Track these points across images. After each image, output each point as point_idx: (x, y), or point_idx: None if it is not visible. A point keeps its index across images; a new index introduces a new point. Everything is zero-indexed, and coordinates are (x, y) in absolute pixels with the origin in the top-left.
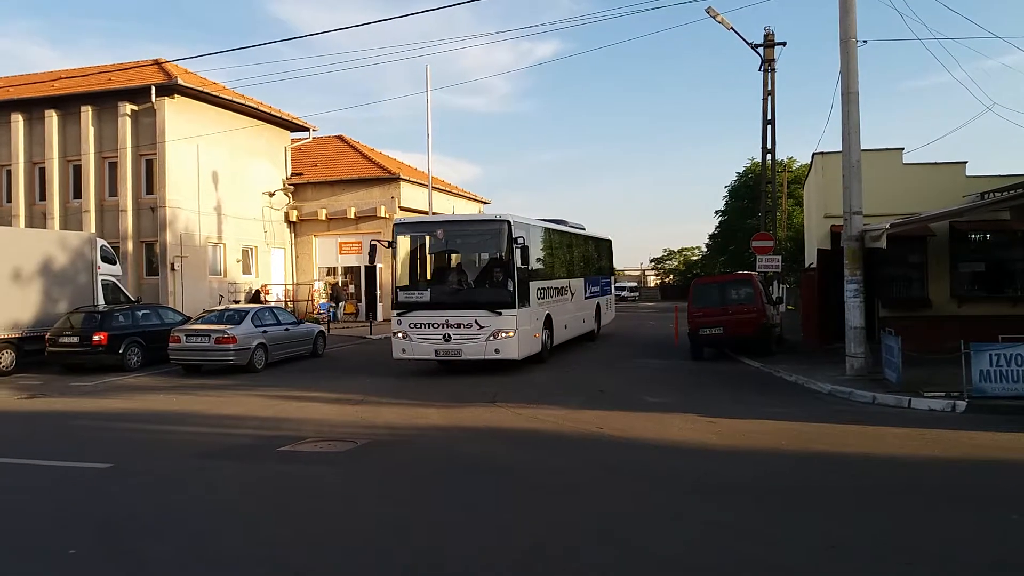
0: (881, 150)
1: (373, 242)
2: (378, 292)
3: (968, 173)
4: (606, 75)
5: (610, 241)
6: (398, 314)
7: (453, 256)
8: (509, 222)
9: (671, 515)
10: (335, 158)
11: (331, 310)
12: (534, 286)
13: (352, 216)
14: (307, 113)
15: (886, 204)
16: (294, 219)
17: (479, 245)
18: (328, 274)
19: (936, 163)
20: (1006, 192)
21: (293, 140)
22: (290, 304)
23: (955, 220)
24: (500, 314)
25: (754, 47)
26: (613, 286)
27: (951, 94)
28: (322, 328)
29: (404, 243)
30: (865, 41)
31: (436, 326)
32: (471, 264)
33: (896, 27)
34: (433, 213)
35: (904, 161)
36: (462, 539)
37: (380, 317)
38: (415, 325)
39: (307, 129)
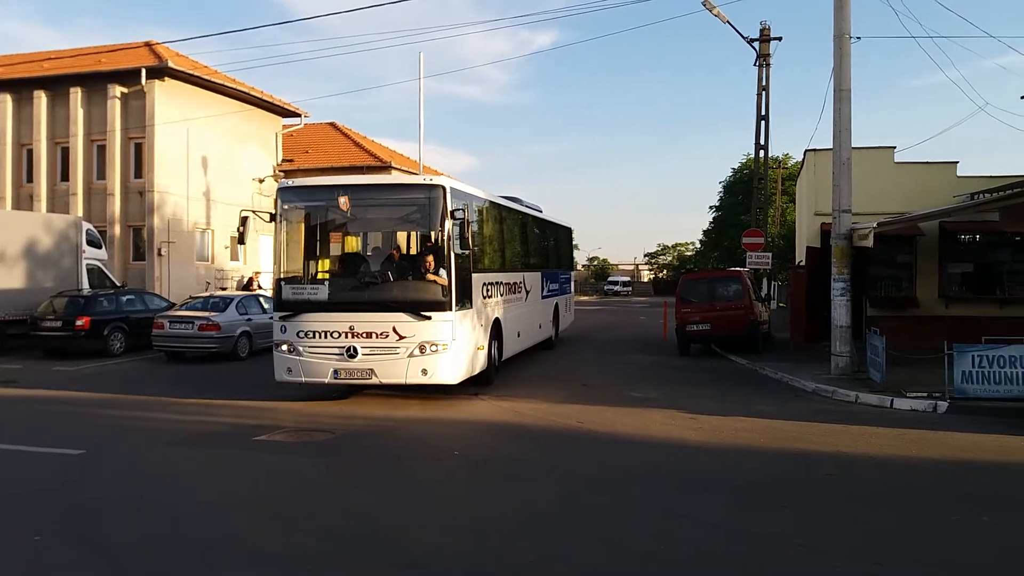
0: (872, 148)
1: (245, 213)
2: None
3: (959, 173)
4: (604, 67)
5: (571, 229)
6: (282, 318)
7: (363, 236)
8: (444, 187)
9: (637, 507)
10: (327, 145)
11: None
12: (479, 280)
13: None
14: (299, 99)
15: (876, 202)
16: (295, 220)
17: (402, 220)
18: None
19: (927, 162)
20: (996, 193)
21: (284, 126)
22: None
23: (944, 220)
24: (430, 318)
25: (750, 41)
26: (573, 283)
27: (944, 94)
28: None
29: (292, 215)
30: (859, 38)
31: (336, 336)
32: (389, 248)
33: (891, 25)
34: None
35: (895, 160)
36: (426, 530)
37: None
38: (305, 334)
39: (299, 115)
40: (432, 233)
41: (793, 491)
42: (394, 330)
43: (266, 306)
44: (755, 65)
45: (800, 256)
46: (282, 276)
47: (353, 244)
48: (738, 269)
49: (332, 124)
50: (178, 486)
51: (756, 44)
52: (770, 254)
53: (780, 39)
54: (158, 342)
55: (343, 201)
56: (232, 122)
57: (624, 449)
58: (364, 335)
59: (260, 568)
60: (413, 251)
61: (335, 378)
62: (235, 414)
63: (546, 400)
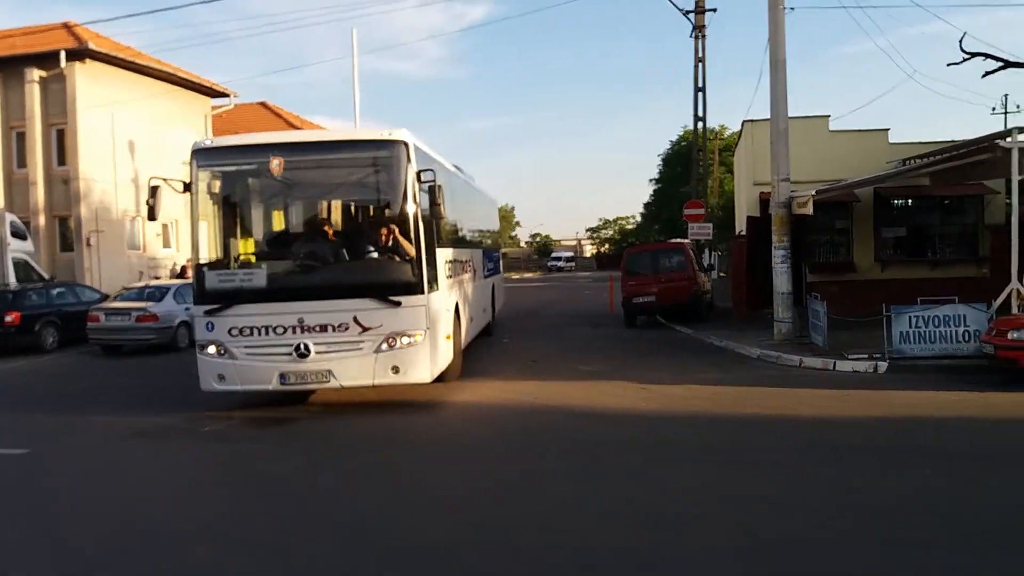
0: (808, 117)
1: (155, 182)
2: None
3: (891, 140)
4: (540, 41)
5: (496, 202)
6: (207, 313)
7: (308, 206)
8: (407, 144)
9: (594, 473)
10: (258, 125)
11: None
12: (442, 257)
13: None
14: (229, 79)
15: (813, 171)
16: (217, 190)
17: (355, 186)
18: None
19: (860, 130)
20: (926, 159)
21: (214, 107)
22: None
23: (878, 186)
24: (399, 304)
25: (685, 13)
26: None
27: (875, 62)
28: None
29: (213, 184)
30: (792, 8)
31: (281, 331)
32: (344, 219)
33: None
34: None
35: (830, 128)
36: (384, 510)
37: None
38: (240, 331)
39: (228, 95)
40: (394, 200)
41: (743, 453)
42: (356, 320)
43: None
44: (691, 37)
45: (740, 226)
46: (204, 261)
47: (294, 217)
48: (680, 240)
49: (263, 104)
50: (129, 480)
51: (691, 16)
52: (711, 225)
53: (715, 11)
54: (94, 335)
55: (276, 164)
56: (159, 104)
57: (575, 420)
58: (317, 329)
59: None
60: (375, 221)
61: (283, 384)
62: (181, 405)
63: (497, 377)
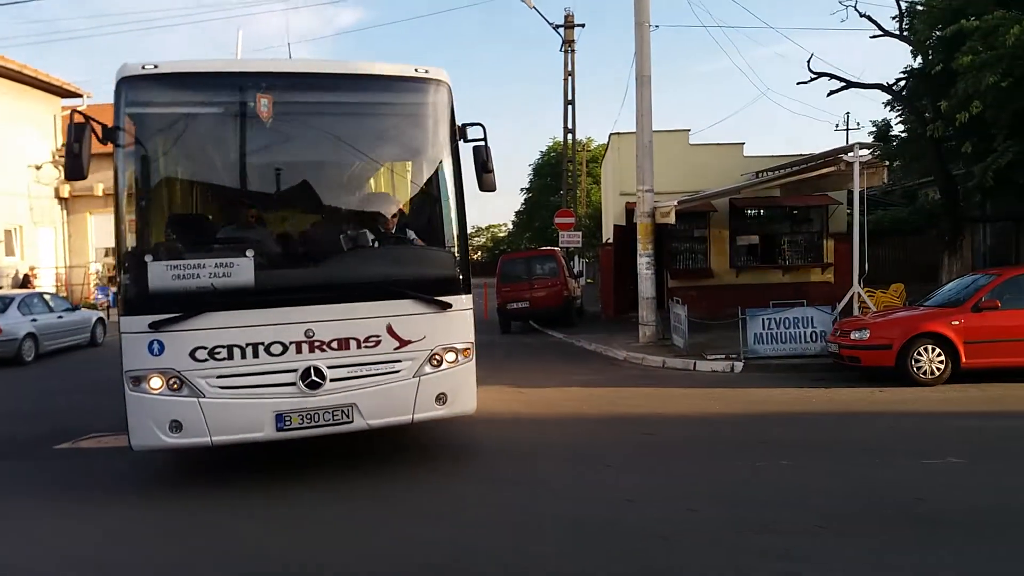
0: (670, 131)
1: (78, 120)
2: None
3: (745, 153)
4: (411, 47)
5: None
6: (153, 326)
7: (308, 168)
8: (449, 86)
9: (467, 476)
10: None
11: (111, 295)
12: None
13: (99, 194)
14: (82, 78)
15: (675, 182)
16: (66, 195)
17: (381, 141)
18: (107, 255)
19: (718, 144)
20: (777, 171)
21: (65, 107)
22: (64, 290)
23: (733, 197)
24: (449, 306)
25: (555, 27)
26: None
27: (732, 80)
28: (101, 315)
29: (153, 131)
30: (657, 26)
31: (279, 350)
32: (361, 187)
33: (686, 14)
34: None
35: (691, 142)
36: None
37: None
38: (212, 352)
39: (80, 95)
40: (430, 161)
41: (612, 451)
42: (390, 331)
43: (52, 304)
44: (561, 51)
45: (608, 234)
46: (141, 247)
47: (285, 181)
48: (552, 248)
49: None
50: None
51: (561, 30)
52: (580, 233)
53: (583, 26)
54: None
55: (265, 105)
56: (2, 104)
57: (450, 425)
58: (334, 345)
59: None
60: (397, 194)
61: (281, 429)
62: (28, 421)
63: None
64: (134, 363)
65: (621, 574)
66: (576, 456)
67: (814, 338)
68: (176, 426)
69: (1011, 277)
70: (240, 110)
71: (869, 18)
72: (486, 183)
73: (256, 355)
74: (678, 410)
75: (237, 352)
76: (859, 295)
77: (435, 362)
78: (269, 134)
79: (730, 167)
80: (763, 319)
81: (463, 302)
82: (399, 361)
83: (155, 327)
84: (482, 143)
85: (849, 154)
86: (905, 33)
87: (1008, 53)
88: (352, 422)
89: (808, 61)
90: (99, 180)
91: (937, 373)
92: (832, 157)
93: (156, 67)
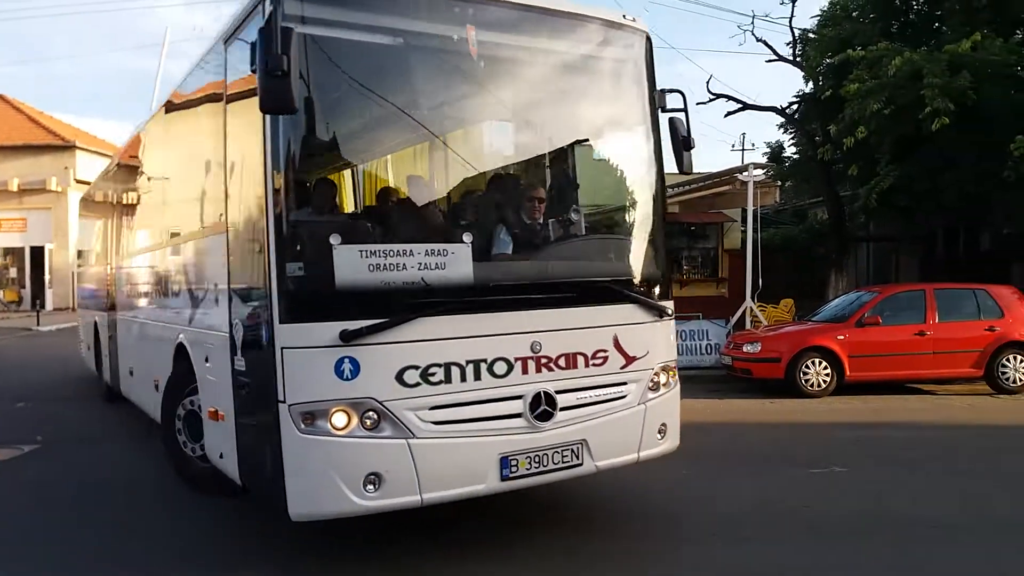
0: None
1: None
2: (47, 277)
3: None
4: None
5: None
6: (346, 337)
7: (516, 127)
8: (649, 36)
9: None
10: None
11: None
12: None
13: (15, 188)
14: None
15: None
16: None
17: (586, 100)
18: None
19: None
20: (677, 188)
21: None
22: None
23: None
24: (669, 315)
25: None
26: None
27: None
28: None
29: (334, 65)
30: None
31: (503, 369)
32: (582, 160)
33: None
34: None
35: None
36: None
37: (50, 306)
38: (426, 375)
39: None
40: (633, 130)
41: None
42: (616, 344)
43: None
44: None
45: None
46: (323, 224)
47: (485, 145)
48: None
49: (1, 97)
50: None
51: None
52: None
53: None
54: None
55: (471, 37)
56: None
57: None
58: (561, 363)
59: None
60: (606, 170)
61: (507, 476)
62: None
63: None
64: (308, 392)
65: None
66: None
67: (709, 350)
68: (375, 481)
69: (891, 294)
70: (442, 44)
71: (765, 43)
72: (686, 163)
73: (478, 376)
74: None
75: (456, 373)
76: (751, 309)
77: (654, 384)
78: (482, 80)
79: None
80: None
81: (671, 308)
82: (624, 384)
83: (348, 338)
84: (682, 113)
85: (744, 174)
86: (798, 59)
87: (890, 83)
88: (582, 464)
89: (707, 82)
90: None
91: (823, 385)
92: (728, 176)
93: None
